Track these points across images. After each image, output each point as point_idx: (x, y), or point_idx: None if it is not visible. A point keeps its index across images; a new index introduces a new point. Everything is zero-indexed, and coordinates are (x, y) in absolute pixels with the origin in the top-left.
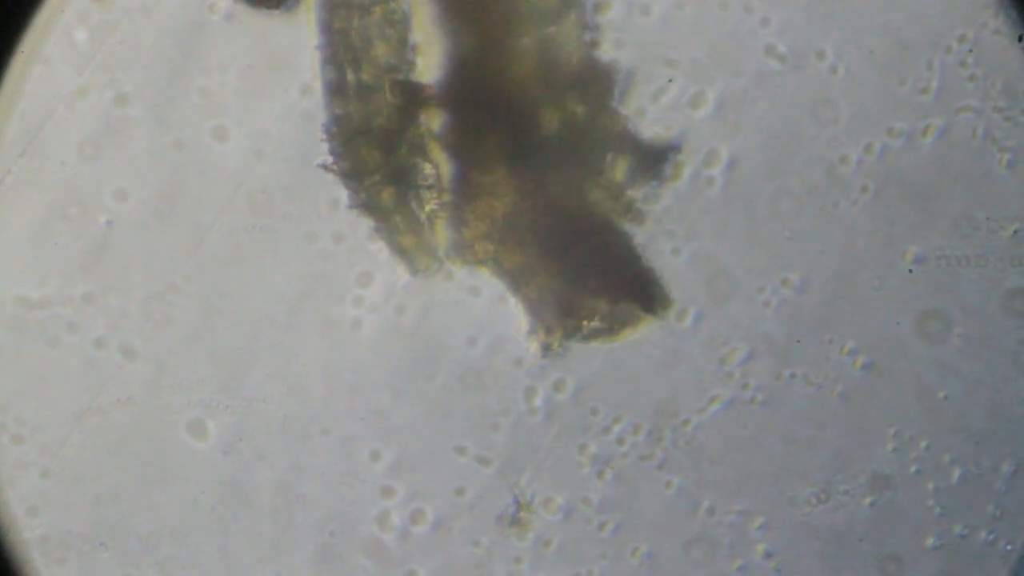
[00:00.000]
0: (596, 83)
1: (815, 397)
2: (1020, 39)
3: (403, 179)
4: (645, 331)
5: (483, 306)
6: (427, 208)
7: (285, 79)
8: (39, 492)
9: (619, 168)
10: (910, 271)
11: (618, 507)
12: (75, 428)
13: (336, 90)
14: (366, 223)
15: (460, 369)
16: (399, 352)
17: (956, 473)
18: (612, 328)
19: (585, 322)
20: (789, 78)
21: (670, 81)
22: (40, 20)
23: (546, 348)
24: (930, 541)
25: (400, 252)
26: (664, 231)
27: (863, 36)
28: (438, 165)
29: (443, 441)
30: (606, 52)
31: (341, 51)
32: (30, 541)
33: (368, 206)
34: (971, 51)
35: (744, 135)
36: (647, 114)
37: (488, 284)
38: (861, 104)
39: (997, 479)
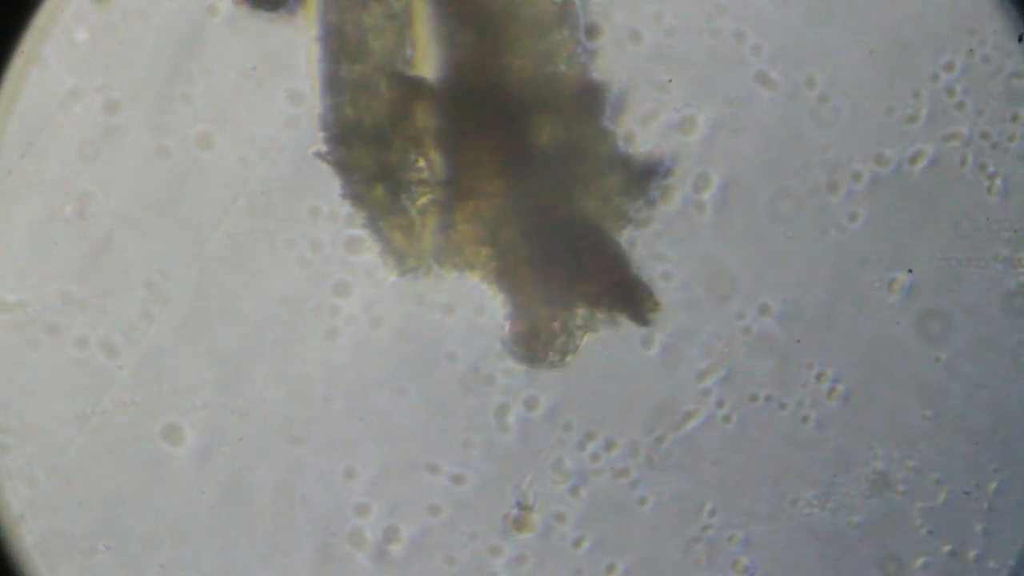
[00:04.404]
0: (587, 99)
1: (789, 420)
2: (1020, 39)
3: (395, 177)
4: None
5: (459, 322)
6: (419, 203)
7: (284, 82)
8: (26, 500)
9: (609, 182)
10: (910, 271)
11: (593, 524)
12: (74, 432)
13: (332, 83)
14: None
15: (435, 386)
16: (372, 365)
17: (943, 495)
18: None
19: (569, 329)
20: (780, 103)
21: (670, 81)
22: (40, 21)
23: (529, 356)
24: (920, 561)
25: (390, 250)
26: (655, 254)
27: (863, 36)
28: (431, 160)
29: (415, 459)
30: (597, 74)
31: (338, 44)
32: (22, 548)
33: (360, 199)
34: (971, 51)
35: (737, 159)
36: (637, 137)
37: (462, 300)
38: (849, 131)
39: (985, 497)
